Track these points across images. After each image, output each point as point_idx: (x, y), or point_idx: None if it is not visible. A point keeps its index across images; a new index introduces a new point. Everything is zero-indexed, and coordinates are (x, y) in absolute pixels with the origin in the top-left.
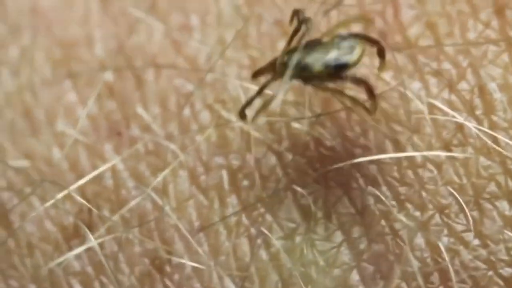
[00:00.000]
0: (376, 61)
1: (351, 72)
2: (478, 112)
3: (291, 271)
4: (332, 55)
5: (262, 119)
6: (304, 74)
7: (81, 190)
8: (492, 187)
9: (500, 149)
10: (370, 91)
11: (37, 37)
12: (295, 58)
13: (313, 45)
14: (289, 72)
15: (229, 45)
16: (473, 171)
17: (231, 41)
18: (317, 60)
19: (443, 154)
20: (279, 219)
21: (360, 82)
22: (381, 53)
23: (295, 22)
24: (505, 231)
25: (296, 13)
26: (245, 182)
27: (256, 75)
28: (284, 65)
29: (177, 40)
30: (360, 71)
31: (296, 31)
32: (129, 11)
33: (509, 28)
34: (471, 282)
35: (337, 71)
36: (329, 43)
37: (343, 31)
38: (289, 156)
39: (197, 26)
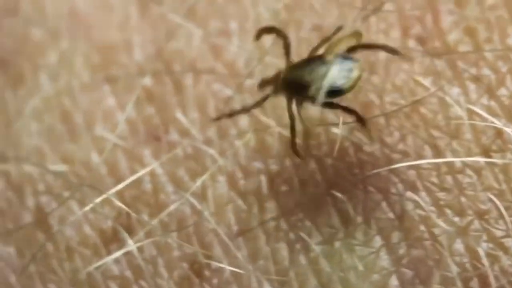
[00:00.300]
0: (416, 66)
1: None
2: None
3: (330, 276)
4: (328, 80)
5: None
6: (300, 92)
7: (120, 195)
8: None
9: None
10: (360, 120)
11: (76, 41)
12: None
13: (315, 62)
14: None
15: (268, 51)
16: None
17: (269, 46)
18: (314, 81)
19: (482, 160)
20: (318, 224)
21: (351, 111)
22: (391, 51)
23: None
24: None
25: (269, 30)
26: (284, 187)
27: (262, 85)
28: (285, 81)
29: (215, 45)
30: (399, 76)
31: (286, 45)
32: (168, 16)
33: None
34: None
35: (332, 95)
36: (330, 62)
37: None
38: (328, 161)
39: (235, 31)
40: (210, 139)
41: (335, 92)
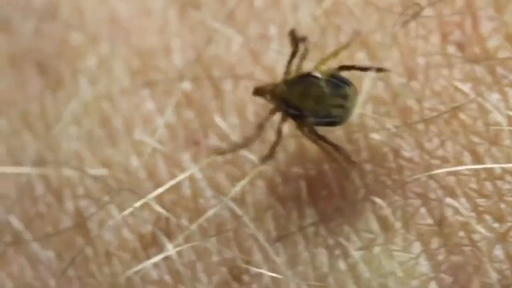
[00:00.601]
0: (456, 72)
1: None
2: None
3: (369, 281)
4: (324, 110)
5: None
6: (297, 116)
7: (159, 199)
8: None
9: None
10: (348, 159)
11: (115, 46)
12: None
13: (309, 85)
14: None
15: (306, 56)
16: None
17: (307, 52)
18: (309, 109)
19: None
20: (357, 230)
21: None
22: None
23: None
24: None
25: (292, 33)
26: (323, 193)
27: (256, 93)
28: (281, 100)
29: (255, 50)
30: (438, 82)
31: (294, 53)
32: (207, 21)
33: None
34: None
35: (327, 125)
36: (324, 86)
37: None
38: (367, 167)
39: (275, 36)
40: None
41: (330, 122)
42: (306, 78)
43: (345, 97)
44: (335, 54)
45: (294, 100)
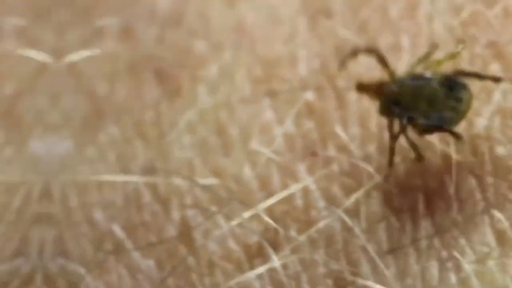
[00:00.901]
0: None
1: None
2: None
3: None
4: (436, 112)
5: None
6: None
7: (270, 210)
8: None
9: None
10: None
11: (239, 54)
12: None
13: (422, 84)
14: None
15: (439, 65)
16: None
17: (441, 61)
18: (422, 107)
19: None
20: (472, 243)
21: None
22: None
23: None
24: None
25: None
26: (441, 205)
27: (359, 89)
28: (390, 99)
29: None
30: None
31: (382, 61)
32: (338, 31)
33: None
34: None
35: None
36: (437, 88)
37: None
38: (490, 180)
39: (407, 47)
40: (369, 155)
41: (442, 122)
42: (419, 79)
43: (459, 100)
44: (445, 59)
45: (406, 100)
